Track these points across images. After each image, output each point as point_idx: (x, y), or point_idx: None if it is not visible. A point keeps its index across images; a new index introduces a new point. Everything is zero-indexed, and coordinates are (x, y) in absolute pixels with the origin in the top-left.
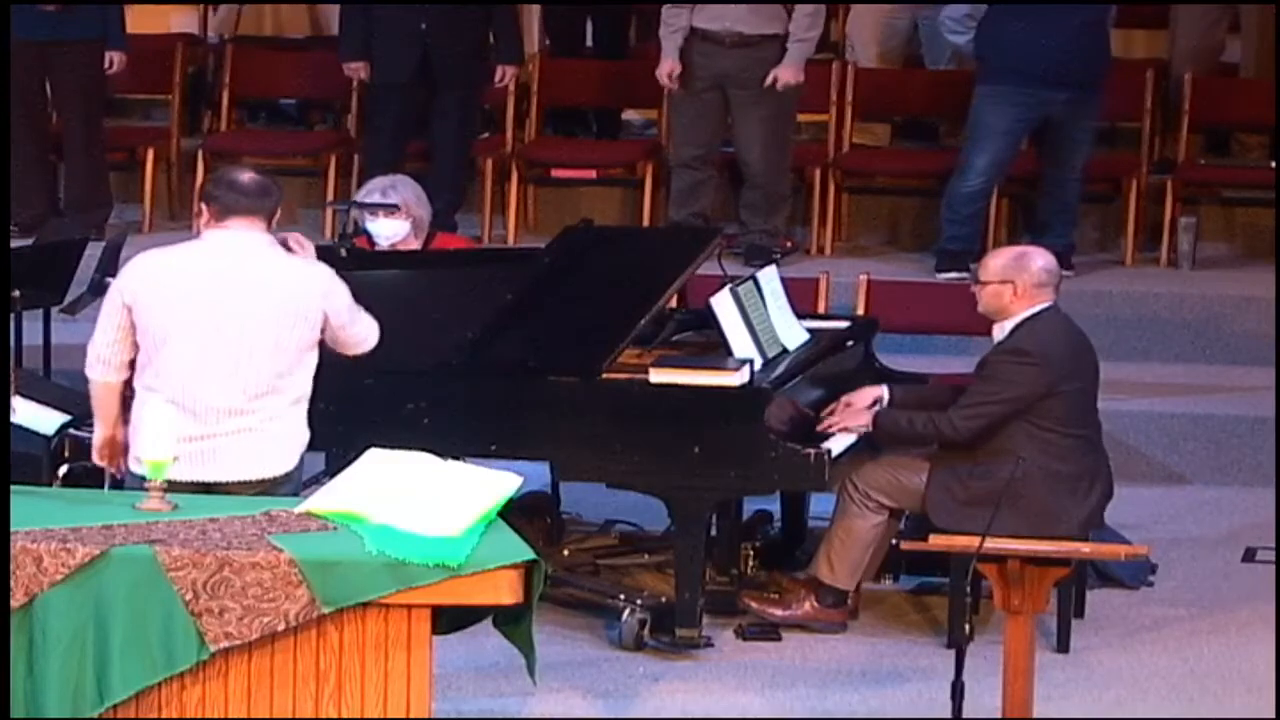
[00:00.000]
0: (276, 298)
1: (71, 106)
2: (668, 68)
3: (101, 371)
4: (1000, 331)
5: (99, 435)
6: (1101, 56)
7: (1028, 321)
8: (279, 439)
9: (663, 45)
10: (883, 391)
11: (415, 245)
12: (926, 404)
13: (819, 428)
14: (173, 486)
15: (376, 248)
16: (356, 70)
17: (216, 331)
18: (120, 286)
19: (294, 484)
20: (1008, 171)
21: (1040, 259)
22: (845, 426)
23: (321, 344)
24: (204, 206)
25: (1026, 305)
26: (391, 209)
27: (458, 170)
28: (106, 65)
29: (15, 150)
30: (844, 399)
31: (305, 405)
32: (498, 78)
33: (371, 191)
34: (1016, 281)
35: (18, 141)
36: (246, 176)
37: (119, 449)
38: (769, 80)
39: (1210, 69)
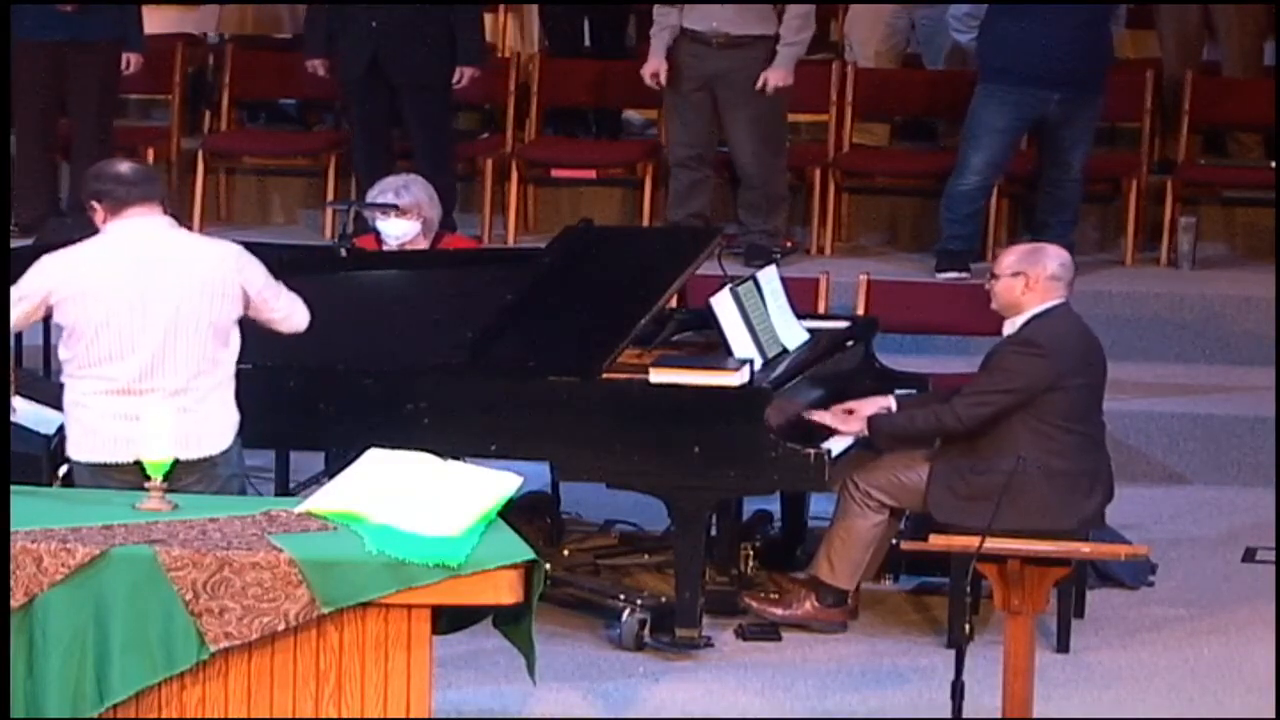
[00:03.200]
0: (195, 276)
1: (85, 106)
2: (653, 68)
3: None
4: (1011, 327)
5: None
6: (1100, 57)
7: (1039, 317)
8: (213, 418)
9: (651, 44)
10: (890, 402)
11: (424, 246)
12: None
13: (807, 416)
14: (114, 471)
15: (385, 247)
16: (316, 67)
17: (145, 316)
18: (41, 282)
19: (231, 463)
20: (1006, 171)
21: (1055, 255)
22: (840, 430)
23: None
24: (95, 204)
25: (1039, 300)
26: (399, 209)
27: (440, 171)
28: (124, 66)
29: (18, 150)
30: (850, 404)
31: (233, 384)
32: (456, 78)
33: (384, 190)
34: (1029, 274)
35: (22, 141)
36: (126, 167)
37: None
38: (759, 83)
39: (1194, 69)
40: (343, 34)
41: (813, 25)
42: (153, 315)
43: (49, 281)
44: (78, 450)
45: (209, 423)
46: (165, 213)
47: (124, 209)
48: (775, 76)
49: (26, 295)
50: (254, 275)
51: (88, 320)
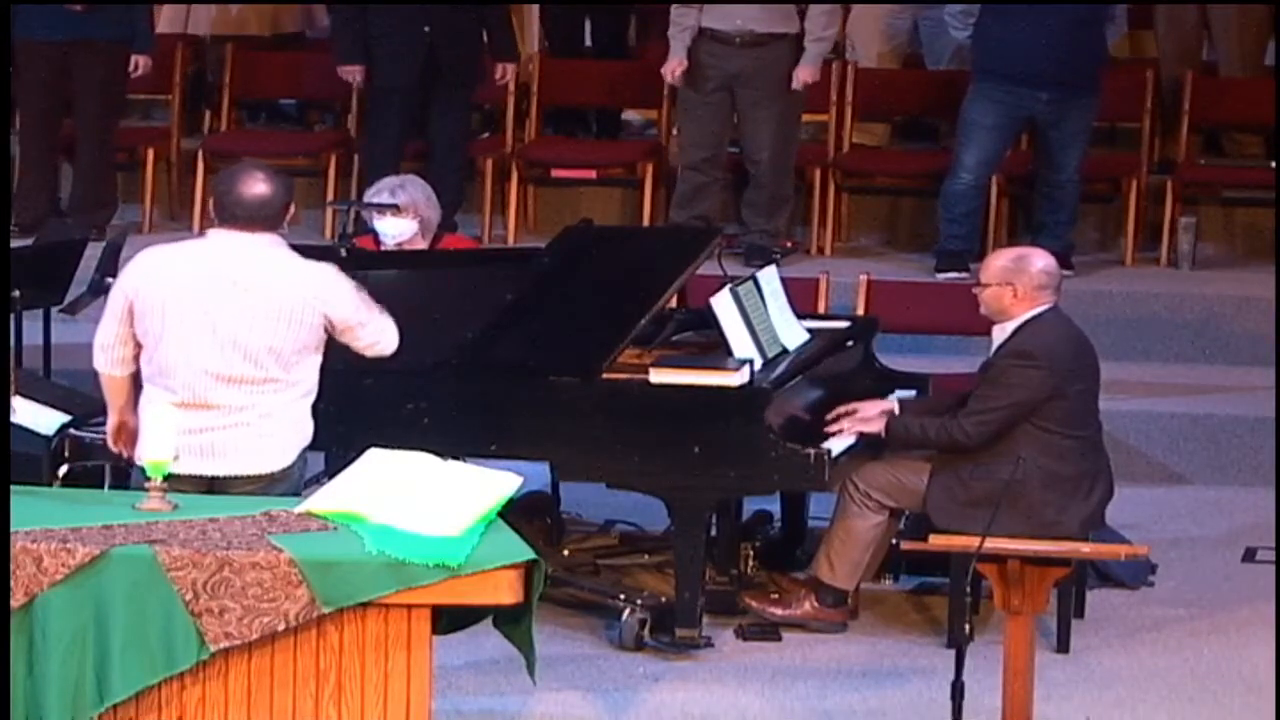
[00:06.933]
0: (272, 299)
1: (89, 106)
2: (674, 65)
3: (105, 364)
4: (1001, 333)
5: (110, 422)
6: (1091, 58)
7: (1029, 323)
8: (277, 435)
9: (671, 44)
10: (893, 405)
11: (422, 246)
12: (934, 412)
13: (826, 430)
14: (174, 481)
15: (383, 247)
16: (353, 73)
17: (213, 330)
18: (123, 281)
19: (293, 481)
20: (1003, 170)
21: (1040, 260)
22: (857, 432)
23: (329, 343)
24: (212, 202)
25: (1027, 307)
26: (397, 209)
27: (458, 171)
28: (132, 68)
29: (20, 149)
30: (852, 406)
31: (309, 401)
32: (498, 75)
33: (380, 190)
34: (1017, 284)
35: (24, 141)
36: (250, 192)
37: (131, 435)
38: (793, 81)
39: (1193, 69)
40: (388, 40)
41: (838, 21)
42: (221, 334)
43: (128, 292)
44: (143, 456)
45: (269, 440)
46: (277, 230)
47: (225, 224)
48: (805, 73)
49: (111, 312)
50: (339, 304)
51: (158, 331)
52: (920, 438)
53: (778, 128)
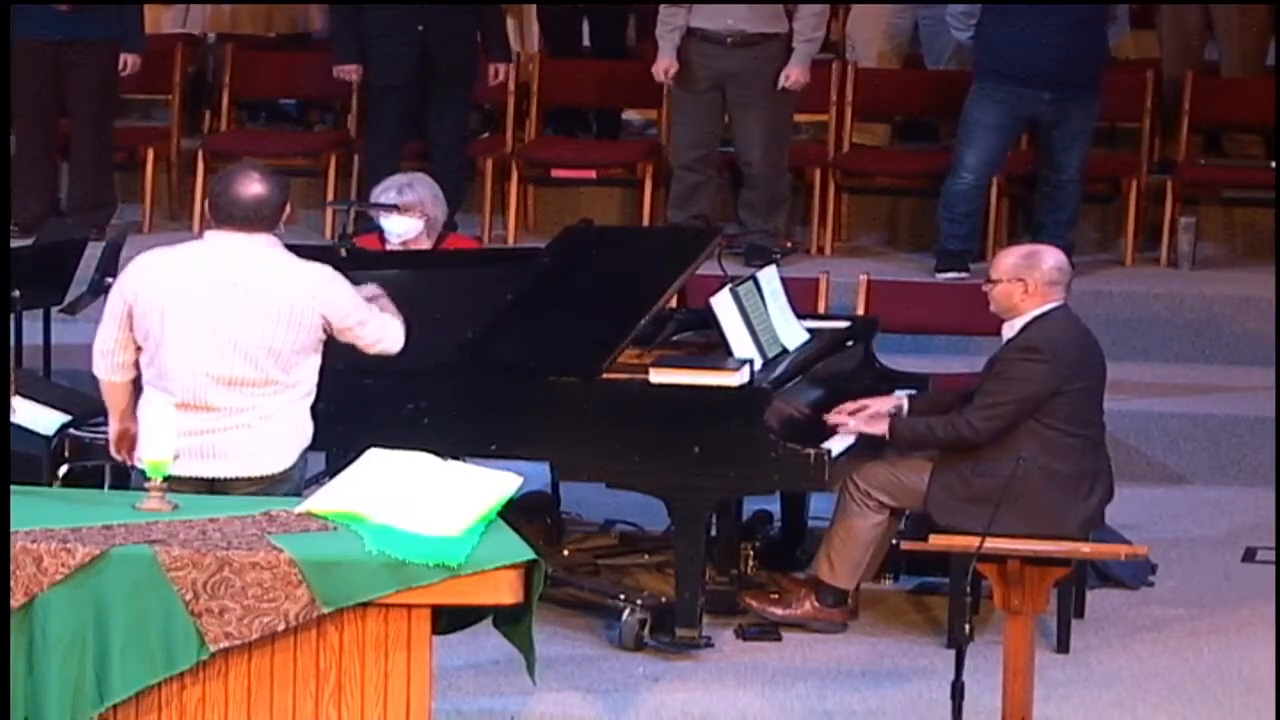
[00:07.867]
0: (270, 300)
1: (83, 106)
2: (664, 65)
3: (105, 370)
4: (1010, 329)
5: (112, 429)
6: (1093, 58)
7: (1038, 320)
8: (277, 436)
9: (660, 45)
10: (903, 400)
11: (427, 245)
12: (939, 409)
13: (829, 419)
14: (175, 483)
15: (388, 245)
16: (349, 73)
17: (212, 332)
18: (121, 286)
19: (294, 482)
20: (1003, 170)
21: (1051, 257)
22: (862, 431)
23: (328, 342)
24: (208, 203)
25: (1038, 303)
26: (398, 209)
27: (457, 171)
28: (121, 67)
29: (18, 150)
30: (862, 402)
31: (308, 402)
32: (492, 76)
33: (388, 189)
34: (1028, 280)
35: (22, 141)
36: (246, 193)
37: (134, 442)
38: (782, 80)
39: (1195, 68)
40: (385, 39)
41: (825, 22)
42: (220, 337)
43: (126, 295)
44: (143, 456)
45: (270, 442)
46: (274, 230)
47: (221, 225)
48: (796, 73)
49: (110, 317)
50: (337, 304)
51: (158, 335)
52: (926, 436)
53: (769, 128)
